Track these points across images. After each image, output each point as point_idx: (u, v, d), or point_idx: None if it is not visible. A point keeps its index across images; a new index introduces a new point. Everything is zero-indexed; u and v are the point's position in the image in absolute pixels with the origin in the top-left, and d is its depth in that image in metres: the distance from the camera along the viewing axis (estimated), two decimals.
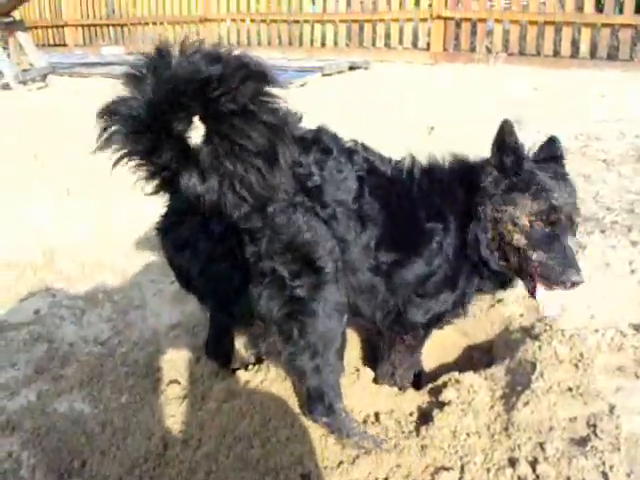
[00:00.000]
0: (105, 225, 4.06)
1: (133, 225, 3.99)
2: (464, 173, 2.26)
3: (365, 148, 2.23)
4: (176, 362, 2.61)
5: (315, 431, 2.10)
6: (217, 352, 2.51)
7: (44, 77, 9.40)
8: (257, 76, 1.71)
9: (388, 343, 2.37)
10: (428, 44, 9.34)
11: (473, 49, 8.92)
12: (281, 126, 1.76)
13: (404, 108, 6.46)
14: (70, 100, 8.10)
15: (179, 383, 2.50)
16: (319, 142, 2.09)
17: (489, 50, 8.68)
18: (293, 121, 2.03)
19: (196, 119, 1.78)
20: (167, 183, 1.89)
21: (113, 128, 1.75)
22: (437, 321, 2.30)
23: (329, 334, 2.01)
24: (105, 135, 1.76)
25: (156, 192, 1.94)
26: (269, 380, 2.39)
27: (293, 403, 2.28)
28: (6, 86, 8.85)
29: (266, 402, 2.25)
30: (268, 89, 1.73)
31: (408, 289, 2.18)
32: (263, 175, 1.75)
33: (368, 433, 2.10)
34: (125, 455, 2.12)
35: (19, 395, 2.48)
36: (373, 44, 9.90)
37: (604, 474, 1.87)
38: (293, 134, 1.93)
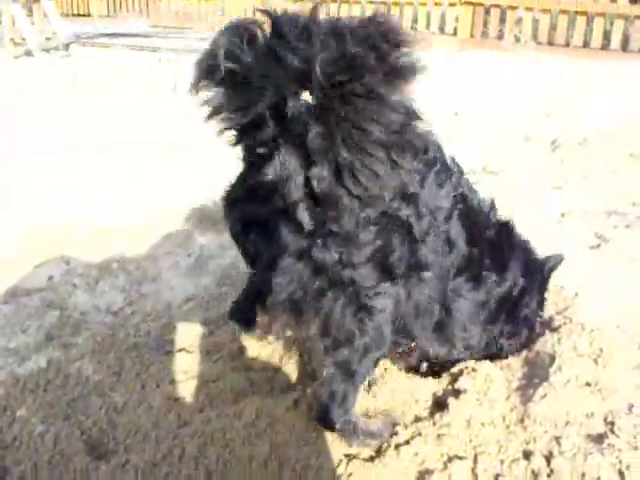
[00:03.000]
0: (121, 195, 4.05)
1: (150, 196, 3.99)
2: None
3: (461, 172, 2.09)
4: (189, 335, 2.59)
5: None
6: (246, 315, 2.29)
7: (67, 46, 9.40)
8: (389, 63, 1.47)
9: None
10: (455, 29, 9.19)
11: (501, 37, 8.77)
12: (413, 111, 1.54)
13: (428, 93, 6.35)
14: (91, 70, 8.09)
15: (191, 354, 2.48)
16: (425, 150, 1.87)
17: (517, 39, 8.52)
18: None
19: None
20: (256, 157, 1.66)
21: (218, 92, 1.54)
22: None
23: (380, 341, 1.89)
24: (210, 97, 1.55)
25: (242, 161, 1.74)
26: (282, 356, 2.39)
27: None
28: (29, 53, 8.88)
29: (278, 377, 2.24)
30: (399, 77, 1.50)
31: (459, 323, 2.13)
32: (392, 166, 1.53)
33: (380, 430, 2.04)
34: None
35: (29, 360, 2.48)
36: None
37: (620, 472, 1.82)
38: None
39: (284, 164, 1.58)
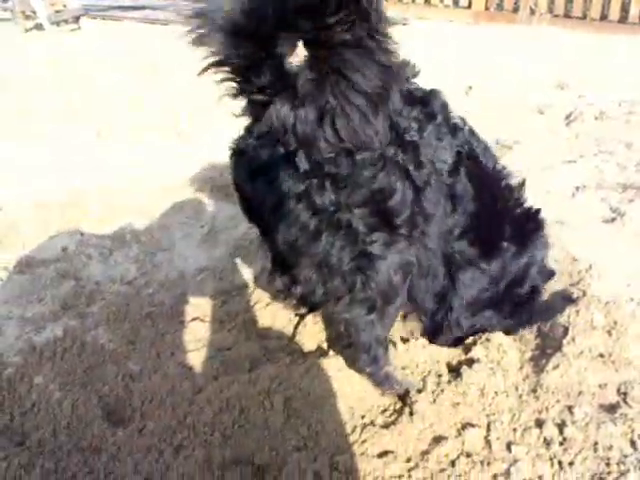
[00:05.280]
0: (134, 167, 4.06)
1: (163, 167, 4.00)
2: None
3: (472, 132, 2.09)
4: (202, 305, 2.61)
5: (341, 388, 2.09)
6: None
7: (77, 19, 9.33)
8: (378, 15, 1.52)
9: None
10: (470, 2, 9.02)
11: (516, 9, 8.60)
12: (396, 70, 1.60)
13: (442, 66, 6.29)
14: (103, 43, 8.05)
15: (205, 324, 2.51)
16: (426, 103, 1.93)
17: (533, 11, 8.36)
18: (408, 73, 1.93)
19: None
20: (256, 107, 1.68)
21: (212, 26, 1.55)
22: (475, 334, 2.31)
23: (390, 292, 1.93)
24: (201, 31, 1.56)
25: (243, 114, 1.75)
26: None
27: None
28: (39, 26, 8.83)
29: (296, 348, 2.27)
30: (386, 28, 1.55)
31: (467, 292, 2.13)
32: (367, 118, 1.59)
33: (410, 381, 2.10)
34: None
35: (46, 329, 2.51)
36: (413, 0, 9.62)
37: (632, 442, 1.83)
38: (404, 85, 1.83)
39: (280, 110, 1.61)
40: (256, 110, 1.69)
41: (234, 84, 1.65)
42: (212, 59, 1.59)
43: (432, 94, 1.98)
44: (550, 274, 2.42)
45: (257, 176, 1.83)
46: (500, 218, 2.13)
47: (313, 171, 1.72)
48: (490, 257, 2.11)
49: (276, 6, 1.46)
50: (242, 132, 1.88)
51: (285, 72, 1.59)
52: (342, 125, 1.58)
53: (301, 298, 2.16)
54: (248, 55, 1.56)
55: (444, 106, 1.98)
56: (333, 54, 1.52)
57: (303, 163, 1.71)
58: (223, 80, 1.64)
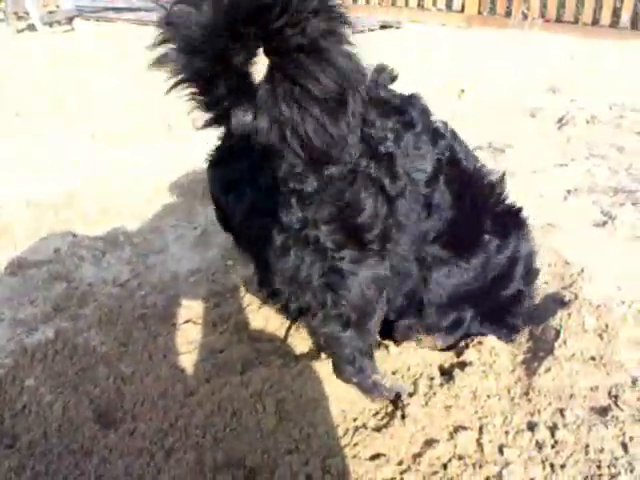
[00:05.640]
0: (127, 169, 4.05)
1: (156, 170, 3.99)
2: None
3: (454, 136, 2.05)
4: (194, 307, 2.61)
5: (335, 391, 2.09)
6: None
7: (70, 20, 9.32)
8: (330, 12, 1.46)
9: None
10: (462, 6, 9.07)
11: (508, 14, 8.65)
12: (355, 72, 1.52)
13: (435, 70, 6.33)
14: (97, 45, 8.04)
15: (197, 326, 2.50)
16: (403, 112, 1.87)
17: (525, 16, 8.41)
18: (383, 79, 1.90)
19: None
20: (222, 117, 1.65)
21: (169, 46, 1.52)
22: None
23: (366, 307, 1.90)
24: (161, 52, 1.53)
25: (208, 125, 1.70)
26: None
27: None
28: (32, 27, 8.82)
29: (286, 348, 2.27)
30: (342, 28, 1.49)
31: (443, 290, 2.11)
32: (324, 127, 1.51)
33: (401, 385, 2.08)
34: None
35: (37, 331, 2.50)
36: (406, 4, 9.63)
37: (623, 445, 1.84)
38: (376, 94, 1.79)
39: (240, 121, 1.58)
40: (222, 122, 1.67)
41: (201, 98, 1.63)
42: (175, 78, 1.57)
43: (411, 100, 1.94)
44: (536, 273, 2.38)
45: (230, 189, 1.78)
46: (481, 216, 2.11)
47: (278, 187, 1.67)
48: (471, 254, 2.09)
49: (225, 18, 1.42)
50: (218, 143, 1.85)
51: (245, 81, 1.56)
52: (296, 136, 1.53)
53: (283, 308, 2.13)
54: (204, 70, 1.53)
55: (424, 112, 1.95)
56: (287, 60, 1.47)
57: (267, 179, 1.66)
58: (191, 95, 1.63)
